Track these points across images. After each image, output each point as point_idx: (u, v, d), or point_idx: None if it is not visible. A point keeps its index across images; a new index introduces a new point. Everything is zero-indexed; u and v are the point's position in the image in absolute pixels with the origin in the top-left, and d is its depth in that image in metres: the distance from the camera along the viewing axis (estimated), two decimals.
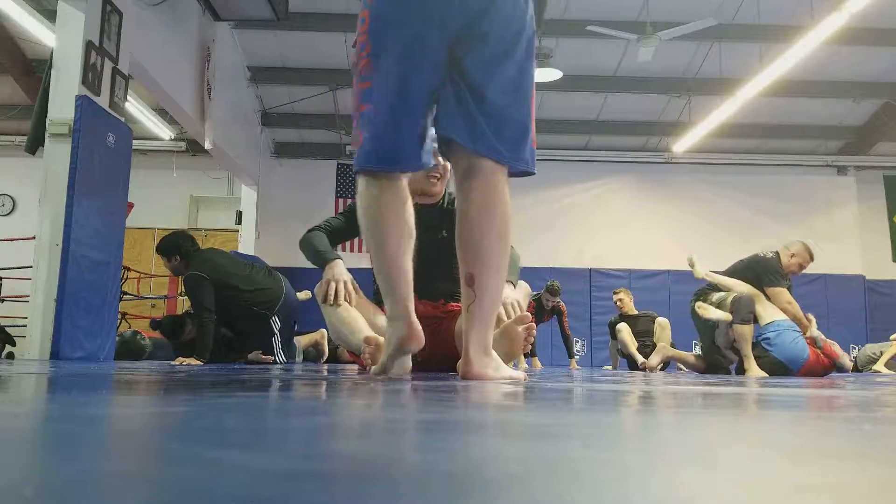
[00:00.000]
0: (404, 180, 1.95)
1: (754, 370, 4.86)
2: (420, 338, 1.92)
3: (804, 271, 5.41)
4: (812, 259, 5.29)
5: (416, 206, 2.35)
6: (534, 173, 2.02)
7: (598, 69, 9.64)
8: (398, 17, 1.83)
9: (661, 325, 6.95)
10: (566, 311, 8.12)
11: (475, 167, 1.90)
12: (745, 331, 4.93)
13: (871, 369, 7.34)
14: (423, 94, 1.85)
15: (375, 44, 1.85)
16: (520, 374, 1.94)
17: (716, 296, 5.17)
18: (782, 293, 5.05)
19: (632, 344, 6.98)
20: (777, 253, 5.29)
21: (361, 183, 1.92)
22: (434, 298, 2.96)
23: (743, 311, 4.91)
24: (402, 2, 1.83)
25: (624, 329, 7.08)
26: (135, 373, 2.16)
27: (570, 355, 8.20)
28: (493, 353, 1.90)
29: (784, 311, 5.01)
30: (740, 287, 5.08)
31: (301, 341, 5.17)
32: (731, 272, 5.32)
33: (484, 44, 1.82)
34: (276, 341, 4.64)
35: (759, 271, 5.17)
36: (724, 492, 0.37)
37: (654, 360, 6.04)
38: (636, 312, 7.35)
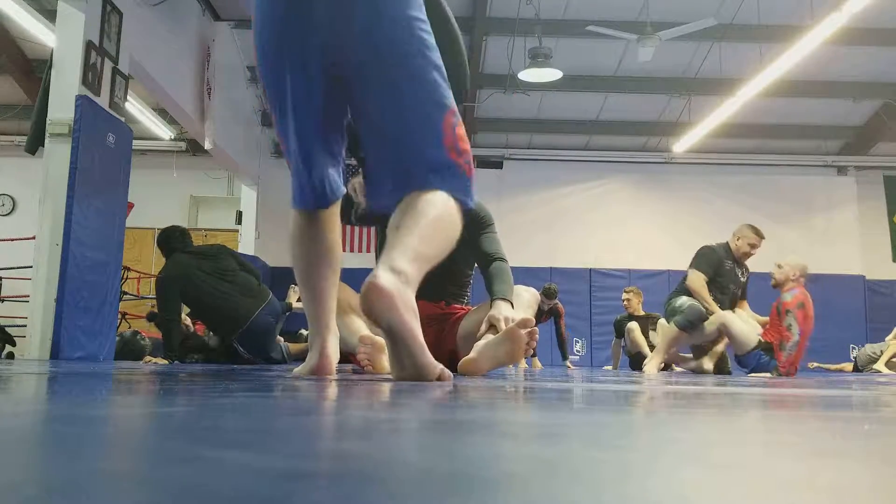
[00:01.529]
0: (333, 207, 1.97)
1: (653, 368, 5.08)
2: (330, 369, 1.96)
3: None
4: (759, 236, 5.32)
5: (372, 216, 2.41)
6: (468, 208, 1.72)
7: (598, 69, 9.64)
8: (267, 68, 1.80)
9: (662, 327, 6.95)
10: (564, 314, 8.11)
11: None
12: (675, 335, 5.09)
13: (871, 369, 7.35)
14: (318, 137, 1.82)
15: (266, 89, 1.84)
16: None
17: (678, 301, 5.27)
18: (695, 278, 5.17)
19: (645, 345, 6.98)
20: (726, 242, 5.41)
21: (291, 212, 1.98)
22: (435, 299, 2.97)
23: (687, 318, 5.04)
24: (267, 48, 1.78)
25: (635, 329, 7.06)
26: (134, 373, 2.16)
27: (564, 357, 8.18)
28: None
29: (694, 295, 5.13)
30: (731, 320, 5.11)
31: (291, 348, 4.99)
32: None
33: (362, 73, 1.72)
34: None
35: (694, 258, 5.32)
36: (723, 492, 0.37)
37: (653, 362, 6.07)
38: (643, 313, 7.33)
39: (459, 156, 1.73)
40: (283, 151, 1.93)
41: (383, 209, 1.76)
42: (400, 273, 1.48)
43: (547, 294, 7.76)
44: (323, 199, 1.91)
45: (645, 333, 7.03)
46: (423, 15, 1.74)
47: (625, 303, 7.51)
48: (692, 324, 5.04)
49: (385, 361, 2.04)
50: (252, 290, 4.50)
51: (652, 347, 6.90)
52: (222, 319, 4.40)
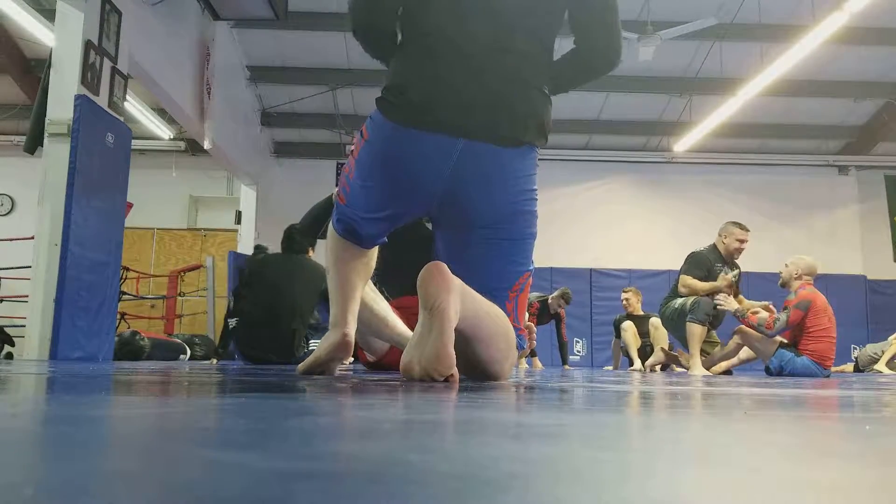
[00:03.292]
0: None
1: (698, 368, 5.01)
2: (349, 349, 2.09)
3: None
4: (745, 229, 5.35)
5: None
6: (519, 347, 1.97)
7: None
8: (382, 179, 1.93)
9: (654, 325, 6.93)
10: (565, 319, 8.11)
11: None
12: (697, 330, 5.06)
13: (872, 369, 7.34)
14: (394, 226, 2.06)
15: (365, 169, 1.95)
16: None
17: (678, 301, 5.27)
18: (684, 279, 5.23)
19: (634, 345, 6.97)
20: (713, 244, 5.44)
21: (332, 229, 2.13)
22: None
23: (700, 312, 5.04)
24: (395, 173, 1.90)
25: (629, 328, 7.08)
26: (134, 373, 2.16)
27: (565, 361, 8.17)
28: None
29: (691, 292, 5.16)
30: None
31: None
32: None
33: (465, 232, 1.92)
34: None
35: (684, 265, 5.36)
36: (723, 491, 0.37)
37: (650, 361, 6.08)
38: (642, 313, 7.33)
39: (515, 322, 1.93)
40: (346, 193, 2.04)
41: None
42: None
43: (565, 298, 7.79)
44: (365, 245, 2.12)
45: (643, 334, 7.02)
46: (535, 186, 1.96)
47: (624, 302, 7.52)
48: (708, 315, 5.05)
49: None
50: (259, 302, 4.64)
51: (647, 348, 6.89)
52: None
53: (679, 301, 5.26)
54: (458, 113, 1.82)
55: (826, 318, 5.01)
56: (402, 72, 1.90)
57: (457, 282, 1.60)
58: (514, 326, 1.90)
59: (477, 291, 1.77)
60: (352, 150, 2.03)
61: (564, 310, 8.00)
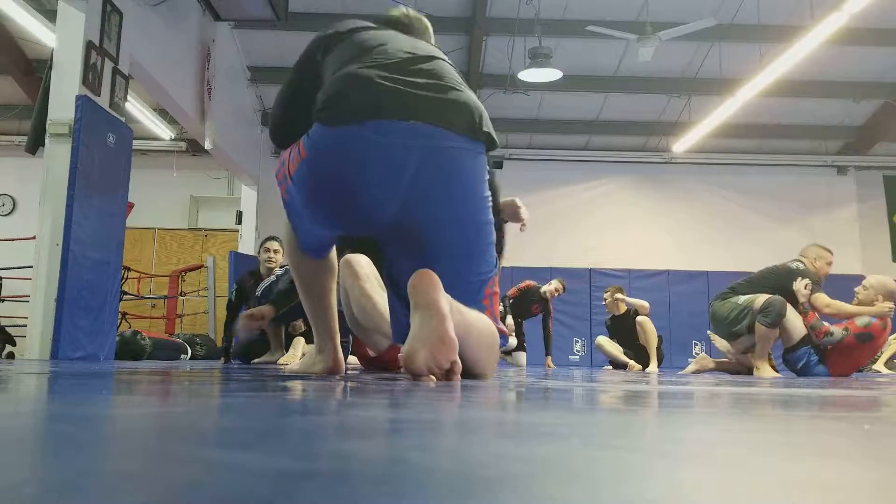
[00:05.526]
0: None
1: (767, 371, 4.78)
2: (342, 369, 2.18)
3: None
4: (830, 252, 5.16)
5: None
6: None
7: (598, 69, 9.64)
8: (326, 192, 1.89)
9: (642, 325, 6.88)
10: (552, 314, 8.09)
11: None
12: (769, 334, 4.80)
13: (871, 369, 7.33)
14: (345, 234, 2.10)
15: (308, 190, 1.90)
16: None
17: (742, 298, 5.00)
18: (823, 298, 4.87)
19: (617, 351, 6.94)
20: (800, 263, 5.09)
21: (290, 232, 2.11)
22: None
23: (774, 314, 4.75)
24: (339, 180, 1.85)
25: (604, 342, 7.04)
26: (135, 373, 2.16)
27: (549, 352, 8.09)
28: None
29: (830, 315, 4.82)
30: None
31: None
32: (757, 285, 5.09)
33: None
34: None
35: (799, 279, 4.95)
36: (723, 492, 0.37)
37: (689, 369, 5.62)
38: (623, 310, 7.22)
39: (495, 323, 1.94)
40: (293, 213, 2.02)
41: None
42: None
43: (563, 286, 7.83)
44: (321, 255, 2.14)
45: (631, 332, 6.94)
46: (487, 191, 1.93)
47: (603, 303, 7.46)
48: (782, 317, 4.78)
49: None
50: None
51: (637, 348, 6.85)
52: None
53: (744, 299, 4.98)
54: (407, 102, 1.77)
55: (871, 351, 4.82)
56: (335, 85, 1.83)
57: (440, 282, 1.63)
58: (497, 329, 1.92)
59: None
60: (279, 174, 1.96)
61: (552, 303, 7.98)
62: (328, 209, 1.90)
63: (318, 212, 1.92)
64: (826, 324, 4.85)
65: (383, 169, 1.77)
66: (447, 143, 1.79)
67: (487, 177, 1.93)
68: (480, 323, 1.82)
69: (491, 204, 1.94)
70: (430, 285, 1.59)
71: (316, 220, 1.96)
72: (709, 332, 5.38)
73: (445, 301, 1.59)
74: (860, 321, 4.82)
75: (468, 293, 1.87)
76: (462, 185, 1.84)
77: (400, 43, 1.94)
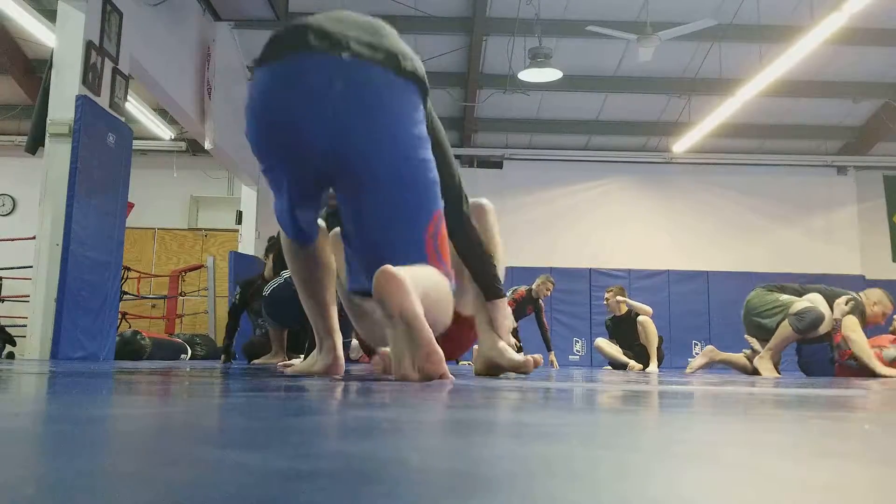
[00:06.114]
0: (320, 237, 2.15)
1: (768, 367, 4.79)
2: (342, 367, 2.17)
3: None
4: (894, 305, 5.01)
5: None
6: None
7: (598, 69, 9.64)
8: (261, 148, 1.96)
9: (643, 325, 6.87)
10: (544, 308, 8.08)
11: None
12: (792, 336, 4.78)
13: None
14: (305, 202, 2.00)
15: (253, 135, 1.95)
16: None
17: (784, 297, 4.95)
18: (853, 322, 4.76)
19: (616, 352, 6.93)
20: (859, 295, 4.99)
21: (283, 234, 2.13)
22: None
23: (807, 322, 4.70)
24: (265, 133, 1.91)
25: (603, 344, 7.03)
26: (135, 373, 2.16)
27: (549, 348, 8.07)
28: (500, 339, 1.93)
29: (849, 341, 4.75)
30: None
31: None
32: (805, 293, 5.02)
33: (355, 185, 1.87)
34: None
35: (846, 303, 4.88)
36: (722, 492, 0.37)
37: (697, 362, 5.54)
38: (624, 311, 7.20)
39: (441, 264, 1.88)
40: (272, 191, 2.06)
41: (360, 289, 1.96)
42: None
43: (552, 282, 7.81)
44: (308, 237, 2.10)
45: (632, 332, 6.94)
46: (425, 135, 1.90)
47: (605, 303, 7.44)
48: (814, 328, 4.73)
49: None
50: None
51: (635, 347, 6.84)
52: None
53: (785, 297, 4.94)
54: (331, 35, 1.79)
55: None
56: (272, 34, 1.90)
57: (407, 279, 1.56)
58: (442, 271, 1.86)
59: (392, 247, 1.80)
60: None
61: (543, 300, 7.96)
62: (272, 155, 1.92)
63: (266, 162, 1.95)
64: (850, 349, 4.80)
65: (307, 101, 1.78)
66: (369, 76, 1.79)
67: (423, 118, 1.91)
68: (437, 288, 1.78)
69: (429, 144, 1.90)
70: (396, 289, 1.53)
71: (272, 179, 1.97)
72: (746, 336, 5.33)
73: (416, 300, 1.54)
74: (887, 355, 4.81)
75: (411, 234, 1.86)
76: (385, 118, 1.82)
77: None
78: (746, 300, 5.20)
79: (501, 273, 2.37)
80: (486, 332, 2.19)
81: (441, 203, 1.93)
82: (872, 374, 4.63)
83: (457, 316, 2.50)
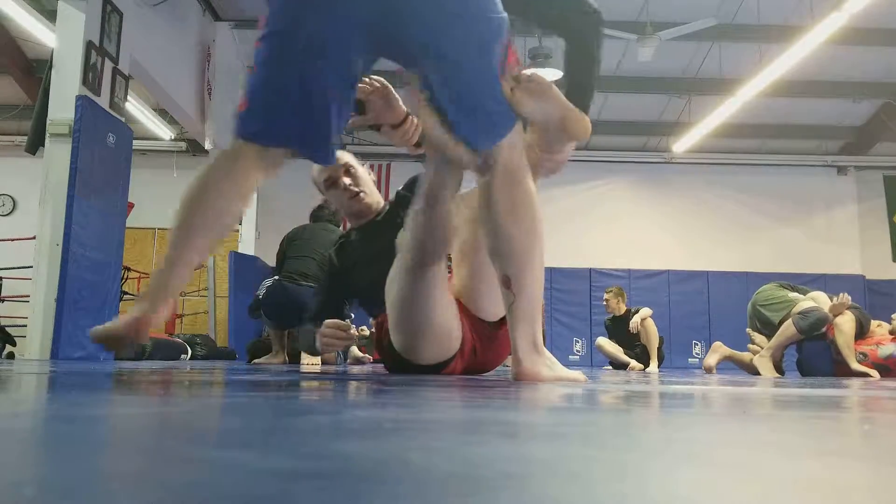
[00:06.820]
0: (274, 157, 1.85)
1: (767, 366, 4.79)
2: (144, 335, 1.59)
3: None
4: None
5: (365, 229, 2.46)
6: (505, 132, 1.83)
7: None
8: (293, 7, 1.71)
9: (644, 325, 6.87)
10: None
11: (488, 164, 1.81)
12: (793, 336, 4.80)
13: None
14: (338, 87, 1.77)
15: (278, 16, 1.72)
16: (576, 375, 1.88)
17: (792, 294, 4.98)
18: (847, 321, 4.85)
19: (617, 351, 6.93)
20: (873, 320, 5.14)
21: (215, 155, 1.83)
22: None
23: (811, 320, 4.72)
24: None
25: (604, 343, 7.03)
26: (135, 373, 2.16)
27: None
28: (545, 350, 1.85)
29: (836, 327, 4.82)
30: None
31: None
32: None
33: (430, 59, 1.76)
34: None
35: (858, 315, 5.00)
36: (722, 492, 0.37)
37: (711, 360, 5.52)
38: (624, 310, 7.18)
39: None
40: (249, 93, 1.76)
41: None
42: (539, 349, 1.80)
43: None
44: (273, 135, 1.79)
45: (624, 332, 6.93)
46: None
47: (604, 304, 7.43)
48: (814, 330, 4.78)
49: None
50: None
51: (636, 347, 6.83)
52: None
53: (793, 295, 4.97)
54: None
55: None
56: None
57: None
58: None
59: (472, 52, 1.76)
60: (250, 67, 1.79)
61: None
62: (308, 20, 1.68)
63: (285, 35, 1.69)
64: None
65: None
66: None
67: None
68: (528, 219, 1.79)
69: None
70: (533, 369, 1.71)
71: (285, 31, 1.71)
72: (747, 330, 5.36)
73: (545, 362, 1.74)
74: (882, 352, 4.83)
75: (491, 36, 1.81)
76: None
77: None
78: (757, 291, 5.22)
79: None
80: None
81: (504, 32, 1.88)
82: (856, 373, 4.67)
83: (501, 322, 2.35)
